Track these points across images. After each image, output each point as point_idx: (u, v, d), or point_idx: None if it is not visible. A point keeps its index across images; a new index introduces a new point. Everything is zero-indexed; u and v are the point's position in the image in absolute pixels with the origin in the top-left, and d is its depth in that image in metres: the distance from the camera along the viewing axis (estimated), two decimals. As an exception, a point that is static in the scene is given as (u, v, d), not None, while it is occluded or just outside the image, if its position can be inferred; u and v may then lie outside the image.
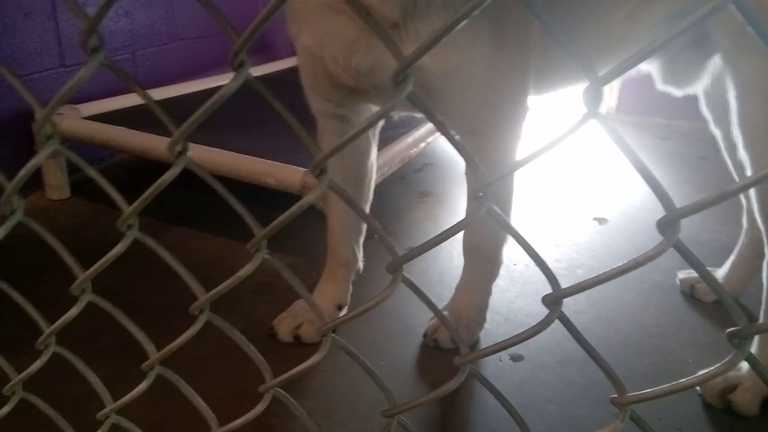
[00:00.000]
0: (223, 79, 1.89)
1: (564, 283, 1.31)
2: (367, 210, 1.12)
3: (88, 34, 0.35)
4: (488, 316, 1.23)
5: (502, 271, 1.41)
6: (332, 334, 0.40)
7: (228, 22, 0.34)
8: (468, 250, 1.10)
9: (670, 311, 1.25)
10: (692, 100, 1.31)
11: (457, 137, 0.33)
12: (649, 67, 1.14)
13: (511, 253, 1.51)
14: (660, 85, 1.18)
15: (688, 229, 1.64)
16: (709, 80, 1.09)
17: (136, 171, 1.79)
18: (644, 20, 0.98)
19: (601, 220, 1.63)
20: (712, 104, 1.18)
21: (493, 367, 1.09)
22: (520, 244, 0.34)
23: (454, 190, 1.78)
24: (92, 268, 0.41)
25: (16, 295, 0.45)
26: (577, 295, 1.45)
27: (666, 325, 1.22)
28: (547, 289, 1.35)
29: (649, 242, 1.56)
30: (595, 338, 1.20)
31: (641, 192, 1.85)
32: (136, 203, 0.37)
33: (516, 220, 1.73)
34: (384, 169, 1.42)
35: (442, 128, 0.33)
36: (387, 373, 1.05)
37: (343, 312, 1.13)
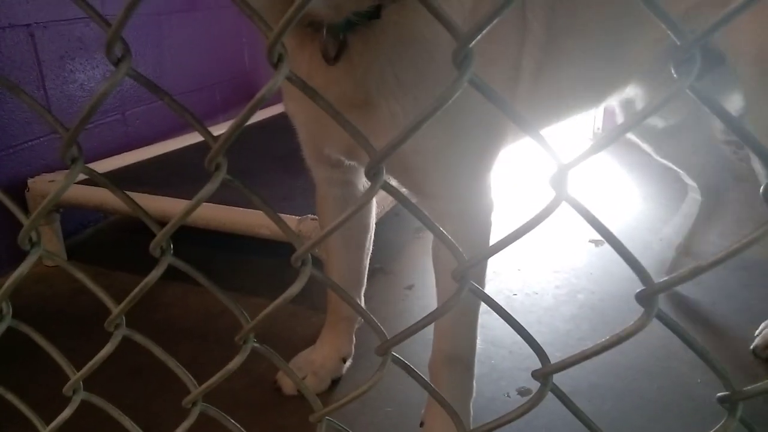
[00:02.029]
0: (212, 131, 1.92)
1: (566, 310, 1.29)
2: (368, 259, 1.10)
3: (68, 147, 0.36)
4: (492, 349, 1.22)
5: (503, 302, 1.41)
6: (328, 418, 0.39)
7: (205, 129, 0.34)
8: (445, 362, 0.91)
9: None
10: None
11: (436, 225, 0.33)
12: (634, 93, 1.14)
13: (511, 282, 1.51)
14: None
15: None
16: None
17: (132, 229, 1.79)
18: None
19: (598, 242, 1.63)
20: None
21: (501, 403, 1.08)
22: (505, 320, 0.35)
23: (449, 222, 1.78)
24: (84, 370, 0.41)
25: (11, 397, 0.45)
26: (579, 321, 1.43)
27: (672, 345, 1.21)
28: (549, 318, 1.34)
29: (646, 261, 1.55)
30: (600, 363, 1.18)
31: (635, 210, 1.86)
32: (122, 304, 0.37)
33: (513, 246, 1.73)
34: (378, 210, 1.43)
35: (420, 215, 0.34)
36: (394, 419, 1.03)
37: (348, 364, 1.13)
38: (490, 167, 0.82)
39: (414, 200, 0.85)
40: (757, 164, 1.07)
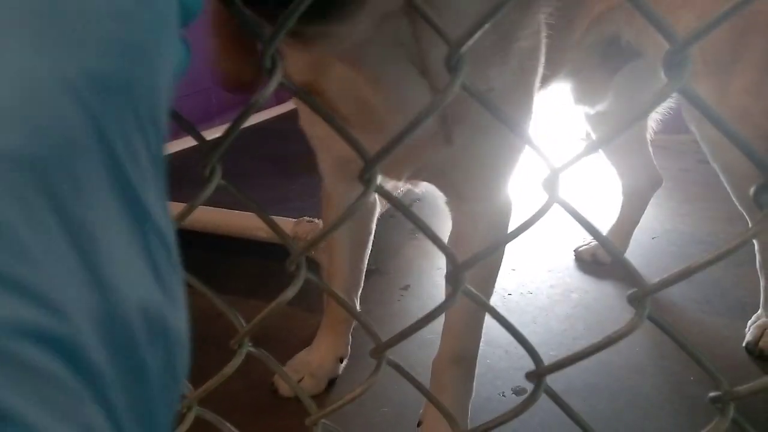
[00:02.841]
0: (208, 134, 1.92)
1: (561, 309, 1.30)
2: (366, 261, 1.11)
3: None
4: (488, 349, 1.22)
5: (498, 302, 1.41)
6: (323, 421, 0.39)
7: (199, 134, 0.34)
8: (452, 361, 0.92)
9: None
10: (668, 113, 1.34)
11: (430, 228, 0.34)
12: (565, 85, 1.22)
13: (505, 282, 1.51)
14: (574, 105, 1.27)
15: (688, 232, 1.65)
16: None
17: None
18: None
19: (591, 241, 1.64)
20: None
21: (497, 402, 1.08)
22: (500, 323, 0.35)
23: (444, 225, 1.78)
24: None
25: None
26: (574, 320, 1.44)
27: (665, 344, 1.21)
28: (544, 318, 1.34)
29: (639, 260, 1.57)
30: (595, 362, 1.19)
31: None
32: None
33: (507, 246, 1.74)
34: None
35: (414, 219, 0.34)
36: (390, 420, 1.03)
37: (344, 364, 1.13)
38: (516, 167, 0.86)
39: (446, 201, 0.89)
40: (723, 173, 1.10)
